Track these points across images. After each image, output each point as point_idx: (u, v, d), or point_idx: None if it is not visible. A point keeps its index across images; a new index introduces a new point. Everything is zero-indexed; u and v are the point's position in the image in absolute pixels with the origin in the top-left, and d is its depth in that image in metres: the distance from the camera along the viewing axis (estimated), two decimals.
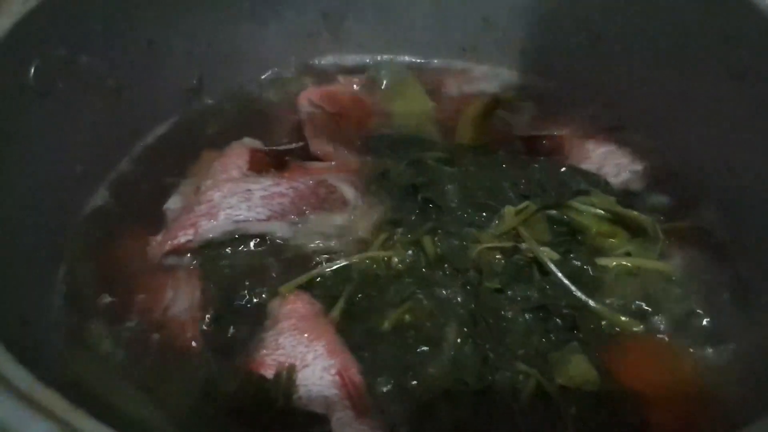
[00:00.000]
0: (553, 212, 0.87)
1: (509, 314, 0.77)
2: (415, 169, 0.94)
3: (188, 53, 1.01)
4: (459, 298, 0.79)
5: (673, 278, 0.83)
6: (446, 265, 0.82)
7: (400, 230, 0.87)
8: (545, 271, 0.80)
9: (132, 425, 0.69)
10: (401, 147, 0.98)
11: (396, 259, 0.83)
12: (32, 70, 0.74)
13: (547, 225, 0.85)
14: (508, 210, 0.86)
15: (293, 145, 0.92)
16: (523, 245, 0.82)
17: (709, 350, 0.79)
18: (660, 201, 0.93)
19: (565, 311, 0.78)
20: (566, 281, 0.79)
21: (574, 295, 0.78)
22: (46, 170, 0.81)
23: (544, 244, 0.83)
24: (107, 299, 0.80)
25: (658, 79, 0.99)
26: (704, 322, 0.81)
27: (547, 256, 0.81)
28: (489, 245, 0.82)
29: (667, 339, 0.79)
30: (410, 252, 0.83)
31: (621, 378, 0.74)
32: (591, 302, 0.78)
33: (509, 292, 0.79)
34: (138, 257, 0.83)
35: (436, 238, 0.84)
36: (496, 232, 0.84)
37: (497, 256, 0.82)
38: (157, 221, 0.87)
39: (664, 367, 0.77)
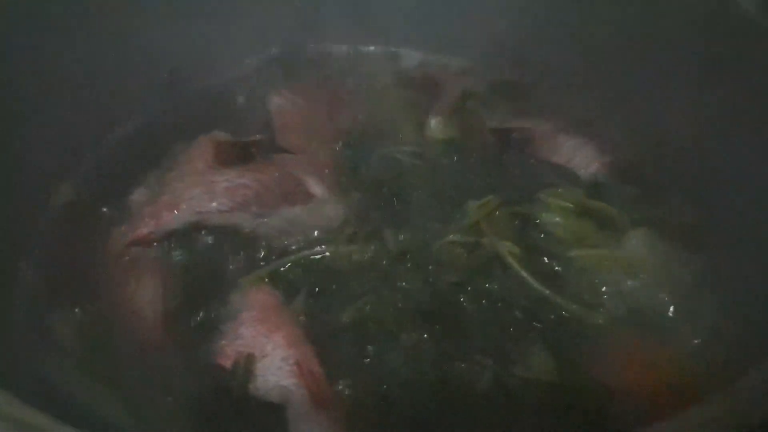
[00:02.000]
0: (518, 206, 0.87)
1: (468, 308, 0.78)
2: (384, 164, 0.94)
3: (160, 46, 1.01)
4: (419, 292, 0.79)
5: (641, 268, 0.83)
6: (408, 260, 0.82)
7: (364, 225, 0.87)
8: (507, 265, 0.80)
9: (93, 418, 0.69)
10: (372, 141, 0.99)
11: (358, 254, 0.82)
12: None
13: (509, 219, 0.85)
14: (471, 204, 0.86)
15: (258, 137, 0.91)
16: (485, 240, 0.82)
17: (674, 339, 0.78)
18: (630, 192, 0.93)
19: (525, 304, 0.78)
20: (527, 275, 0.79)
21: (535, 289, 0.79)
22: (10, 162, 0.81)
23: (506, 238, 0.83)
24: (69, 292, 0.79)
25: (632, 72, 1.00)
26: (670, 311, 0.80)
27: (509, 250, 0.81)
28: (450, 240, 0.82)
29: (631, 329, 0.79)
30: (373, 246, 0.83)
31: (581, 368, 0.74)
32: (552, 295, 0.78)
33: (469, 287, 0.79)
34: (101, 249, 0.83)
35: (399, 233, 0.84)
36: (459, 226, 0.84)
37: (459, 251, 0.82)
38: (122, 214, 0.87)
39: (627, 356, 0.77)
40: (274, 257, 0.82)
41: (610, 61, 1.02)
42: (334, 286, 0.80)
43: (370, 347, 0.75)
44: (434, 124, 1.01)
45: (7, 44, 0.79)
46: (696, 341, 0.78)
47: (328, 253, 0.82)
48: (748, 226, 0.79)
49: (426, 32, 1.15)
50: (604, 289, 0.81)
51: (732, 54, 0.84)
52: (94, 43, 0.92)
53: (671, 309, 0.80)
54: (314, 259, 0.82)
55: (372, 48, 1.16)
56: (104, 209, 0.88)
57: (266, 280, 0.80)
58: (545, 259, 0.83)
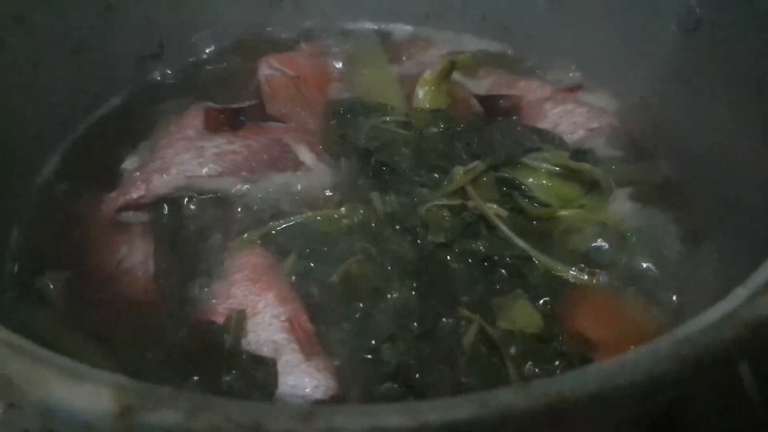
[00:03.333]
0: (504, 172, 0.88)
1: (454, 267, 0.79)
2: (372, 133, 0.95)
3: (148, 18, 1.01)
4: (407, 253, 0.80)
5: (624, 228, 0.85)
6: (396, 223, 0.84)
7: (353, 190, 0.88)
8: (493, 227, 0.82)
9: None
10: (360, 111, 1.00)
11: (347, 218, 0.84)
12: None
13: (495, 183, 0.87)
14: (457, 169, 0.87)
15: (247, 103, 0.92)
16: (471, 203, 0.84)
17: (657, 299, 0.80)
18: (614, 156, 0.95)
19: (510, 262, 0.80)
20: (512, 235, 0.81)
21: (521, 248, 0.80)
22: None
23: (492, 201, 0.84)
24: (61, 256, 0.81)
25: (614, 38, 1.01)
26: (653, 272, 0.82)
27: (495, 212, 0.83)
28: (437, 203, 0.84)
29: (615, 288, 0.80)
30: (361, 211, 0.85)
31: (566, 323, 0.76)
32: (537, 254, 0.80)
33: (455, 248, 0.81)
34: (93, 215, 0.84)
35: (387, 198, 0.86)
36: (445, 191, 0.86)
37: (445, 214, 0.83)
38: (114, 182, 0.88)
39: (611, 315, 0.79)
40: (264, 221, 0.83)
41: (593, 29, 1.04)
42: (324, 248, 0.81)
43: (358, 305, 0.76)
44: (422, 94, 1.02)
45: None
46: (678, 298, 0.80)
47: (318, 217, 0.83)
48: (731, 187, 0.81)
49: (412, 5, 1.17)
50: (589, 247, 0.82)
51: (709, 17, 0.86)
52: (82, 14, 0.93)
53: (654, 266, 0.82)
54: (304, 222, 0.83)
55: (360, 20, 1.17)
56: (95, 177, 0.89)
57: (259, 243, 0.81)
58: (531, 221, 0.85)
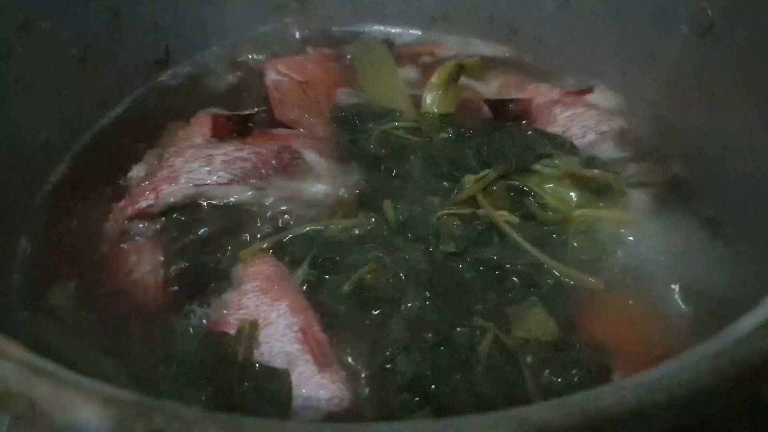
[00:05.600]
0: (515, 179, 0.88)
1: (467, 275, 0.78)
2: (381, 140, 0.95)
3: (154, 24, 1.01)
4: (419, 262, 0.79)
5: (637, 231, 0.84)
6: (408, 232, 0.83)
7: (363, 198, 0.87)
8: (504, 234, 0.82)
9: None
10: (369, 117, 0.99)
11: (359, 226, 0.83)
12: None
13: (506, 191, 0.86)
14: (468, 178, 0.87)
15: (255, 110, 0.92)
16: (481, 211, 0.83)
17: (674, 302, 0.79)
18: (625, 158, 0.94)
19: (522, 270, 0.79)
20: (523, 242, 0.80)
21: (532, 255, 0.79)
22: (6, 137, 0.81)
23: (503, 209, 0.84)
24: (69, 266, 0.80)
25: (624, 40, 1.01)
26: (668, 275, 0.80)
27: (505, 219, 0.82)
28: (447, 212, 0.83)
29: (630, 292, 0.79)
30: (373, 219, 0.84)
31: (582, 330, 0.75)
32: (549, 260, 0.79)
33: (467, 256, 0.80)
34: (101, 225, 0.83)
35: (398, 207, 0.85)
36: (456, 199, 0.86)
37: (456, 222, 0.83)
38: (121, 191, 0.87)
39: (627, 320, 0.78)
40: (275, 229, 0.83)
41: (602, 31, 1.04)
42: (336, 257, 0.80)
43: (372, 314, 0.75)
44: (430, 99, 1.02)
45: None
46: (695, 300, 0.78)
47: (331, 226, 0.82)
48: (745, 188, 0.81)
49: (419, 8, 1.16)
50: (602, 252, 0.81)
51: (722, 19, 0.85)
52: (89, 21, 0.92)
53: (669, 269, 0.80)
54: (315, 231, 0.82)
55: (367, 24, 1.16)
56: (102, 186, 0.88)
57: (270, 252, 0.80)
58: (543, 227, 0.84)
